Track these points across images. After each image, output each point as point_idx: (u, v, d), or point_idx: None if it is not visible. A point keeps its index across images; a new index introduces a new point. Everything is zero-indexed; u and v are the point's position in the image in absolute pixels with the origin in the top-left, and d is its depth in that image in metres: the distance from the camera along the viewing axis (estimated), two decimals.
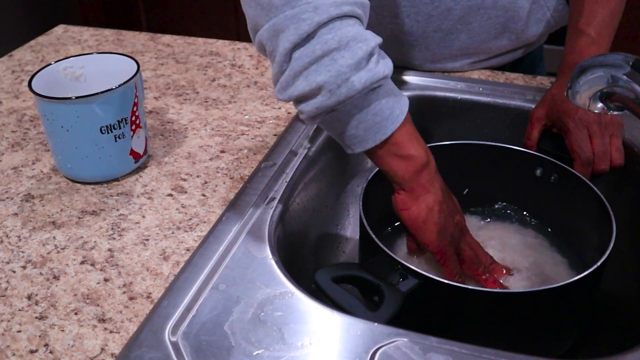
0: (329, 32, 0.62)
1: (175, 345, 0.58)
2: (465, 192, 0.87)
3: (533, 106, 0.90)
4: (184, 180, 0.81)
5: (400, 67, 1.03)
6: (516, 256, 0.80)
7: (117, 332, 0.60)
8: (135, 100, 0.80)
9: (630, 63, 0.61)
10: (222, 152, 0.87)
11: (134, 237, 0.72)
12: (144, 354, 0.57)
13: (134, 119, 0.80)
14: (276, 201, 0.75)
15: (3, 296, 0.65)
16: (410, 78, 1.01)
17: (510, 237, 0.84)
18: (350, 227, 0.92)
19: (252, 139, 0.89)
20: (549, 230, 0.84)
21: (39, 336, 0.60)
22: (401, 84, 1.00)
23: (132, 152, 0.81)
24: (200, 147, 0.88)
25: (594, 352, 0.75)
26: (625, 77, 0.62)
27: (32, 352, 0.59)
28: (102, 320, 0.62)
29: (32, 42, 1.20)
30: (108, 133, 0.78)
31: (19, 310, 0.63)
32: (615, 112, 0.66)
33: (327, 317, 0.60)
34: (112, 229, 0.73)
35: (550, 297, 0.64)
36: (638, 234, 0.82)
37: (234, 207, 0.75)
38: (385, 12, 0.98)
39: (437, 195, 0.69)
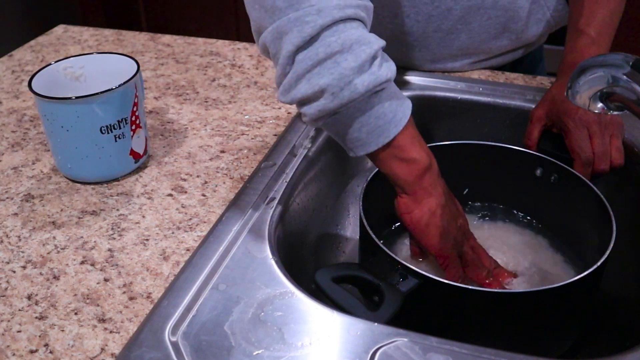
0: (332, 35, 0.62)
1: (175, 345, 0.58)
2: (465, 192, 0.87)
3: (533, 106, 0.90)
4: (184, 180, 0.81)
5: (400, 67, 1.02)
6: (516, 256, 0.80)
7: (117, 332, 0.60)
8: (135, 100, 0.80)
9: (630, 63, 0.61)
10: (222, 152, 0.87)
11: (134, 237, 0.72)
12: (144, 354, 0.57)
13: (134, 119, 0.80)
14: (276, 201, 0.75)
15: (3, 296, 0.65)
16: (410, 78, 1.01)
17: (510, 237, 0.84)
18: (350, 227, 0.92)
19: (252, 139, 0.89)
20: (549, 230, 0.84)
21: (39, 336, 0.60)
22: (401, 84, 1.00)
23: (132, 152, 0.81)
24: (200, 147, 0.88)
25: (594, 352, 0.75)
26: (625, 77, 0.62)
27: (32, 352, 0.59)
28: (102, 320, 0.62)
29: (32, 42, 1.20)
30: (108, 133, 0.78)
31: (19, 310, 0.63)
32: (615, 112, 0.66)
33: (327, 317, 0.60)
34: (112, 229, 0.73)
35: (550, 297, 0.64)
36: (638, 234, 0.82)
37: (234, 207, 0.75)
38: (385, 12, 0.98)
39: (440, 198, 0.69)
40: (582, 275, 0.64)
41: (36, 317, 0.62)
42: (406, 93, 0.97)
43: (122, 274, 0.67)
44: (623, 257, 0.75)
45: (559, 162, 0.81)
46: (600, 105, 0.66)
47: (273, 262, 0.66)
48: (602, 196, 0.74)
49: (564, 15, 1.02)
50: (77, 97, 0.75)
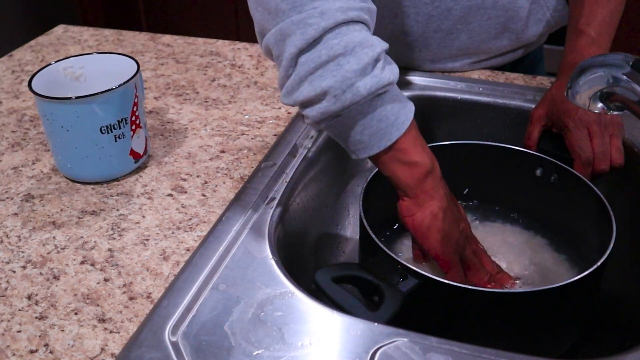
0: (335, 38, 0.62)
1: (175, 345, 0.58)
2: (465, 192, 0.87)
3: (533, 106, 0.90)
4: (184, 180, 0.81)
5: (400, 67, 1.01)
6: (516, 256, 0.80)
7: (117, 332, 0.60)
8: (135, 100, 0.80)
9: (630, 63, 0.61)
10: (222, 152, 0.87)
11: (134, 237, 0.72)
12: (144, 354, 0.57)
13: (134, 119, 0.80)
14: (276, 201, 0.75)
15: (3, 296, 0.65)
16: (410, 78, 1.02)
17: (510, 237, 0.84)
18: (350, 227, 0.92)
19: (252, 139, 0.89)
20: (549, 230, 0.84)
21: (39, 336, 0.60)
22: (401, 84, 1.00)
23: (132, 152, 0.81)
24: (200, 147, 0.88)
25: (594, 352, 0.75)
26: (625, 77, 0.62)
27: (32, 352, 0.59)
28: (102, 320, 0.62)
29: (32, 42, 1.20)
30: (108, 133, 0.78)
31: (19, 310, 0.63)
32: (615, 112, 0.66)
33: (327, 317, 0.60)
34: (112, 229, 0.73)
35: (550, 297, 0.64)
36: (638, 234, 0.82)
37: (234, 207, 0.75)
38: (385, 12, 0.98)
39: (442, 202, 0.69)
40: (582, 275, 0.64)
41: (36, 317, 0.62)
42: (406, 93, 0.97)
43: (122, 274, 0.67)
44: (623, 257, 0.75)
45: (559, 162, 0.81)
46: (600, 105, 0.66)
47: (273, 262, 0.66)
48: (602, 196, 0.74)
49: (564, 15, 1.02)
50: (77, 97, 0.75)
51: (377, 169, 0.74)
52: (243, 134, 0.90)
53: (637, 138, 0.87)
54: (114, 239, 0.72)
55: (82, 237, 0.72)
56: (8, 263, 0.69)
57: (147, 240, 0.72)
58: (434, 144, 0.77)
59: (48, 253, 0.70)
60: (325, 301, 0.62)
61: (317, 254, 0.85)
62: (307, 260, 0.82)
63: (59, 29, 1.25)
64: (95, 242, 0.72)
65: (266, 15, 0.64)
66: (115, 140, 0.79)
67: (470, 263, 0.72)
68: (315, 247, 0.85)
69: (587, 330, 0.75)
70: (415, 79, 1.01)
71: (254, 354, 0.57)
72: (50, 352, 0.59)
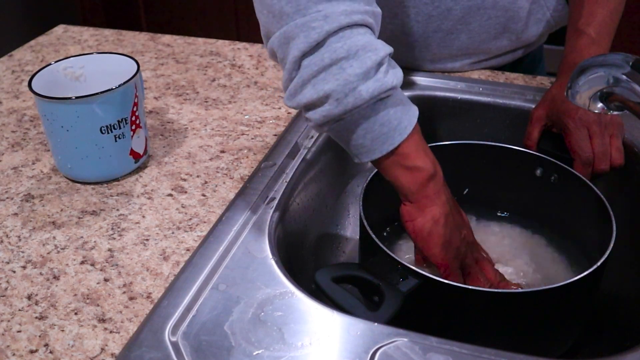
0: (338, 41, 0.62)
1: (175, 345, 0.58)
2: (465, 192, 0.87)
3: (533, 106, 0.90)
4: (184, 180, 0.81)
5: (400, 68, 1.03)
6: (516, 256, 0.80)
7: (117, 332, 0.60)
8: (135, 100, 0.80)
9: (630, 63, 0.61)
10: (222, 152, 0.87)
11: (134, 237, 0.72)
12: (144, 354, 0.57)
13: (134, 119, 0.80)
14: (276, 201, 0.75)
15: (3, 296, 0.65)
16: (410, 78, 1.01)
17: (510, 237, 0.84)
18: (350, 227, 0.92)
19: (252, 139, 0.89)
20: (549, 230, 0.84)
21: (39, 336, 0.60)
22: (401, 85, 0.99)
23: (132, 152, 0.81)
24: (200, 147, 0.88)
25: (594, 352, 0.75)
26: (625, 77, 0.62)
27: (32, 352, 0.59)
28: (102, 320, 0.62)
29: (32, 42, 1.20)
30: (108, 133, 0.78)
31: (19, 310, 0.63)
32: (615, 112, 0.66)
33: (327, 317, 0.60)
34: (112, 229, 0.73)
35: (550, 297, 0.64)
36: (638, 234, 0.82)
37: (234, 207, 0.75)
38: (385, 12, 0.97)
39: (444, 207, 0.68)
40: (582, 275, 0.64)
41: (36, 317, 0.62)
42: (406, 93, 0.97)
43: (122, 274, 0.67)
44: (623, 257, 0.75)
45: (559, 162, 0.81)
46: (600, 105, 0.66)
47: (273, 262, 0.66)
48: (602, 196, 0.74)
49: (564, 15, 1.02)
50: (77, 97, 0.75)
51: (377, 169, 0.74)
52: (243, 134, 0.90)
53: (637, 138, 0.87)
54: (114, 239, 0.72)
55: (82, 237, 0.72)
56: (8, 263, 0.69)
57: (147, 240, 0.72)
58: (434, 144, 0.77)
59: (48, 253, 0.70)
60: (325, 301, 0.62)
61: (317, 254, 0.85)
62: (307, 260, 0.82)
63: (59, 29, 1.25)
64: (95, 242, 0.72)
65: (271, 19, 0.64)
66: (115, 140, 0.79)
67: (470, 270, 0.71)
68: (315, 247, 0.85)
69: (587, 330, 0.75)
70: (415, 79, 1.01)
71: (254, 354, 0.57)
72: (50, 352, 0.59)
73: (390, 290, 0.62)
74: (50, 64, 0.82)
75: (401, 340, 0.57)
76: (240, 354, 0.57)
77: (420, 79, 1.01)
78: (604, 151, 0.82)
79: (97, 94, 0.75)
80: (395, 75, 0.65)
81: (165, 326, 0.59)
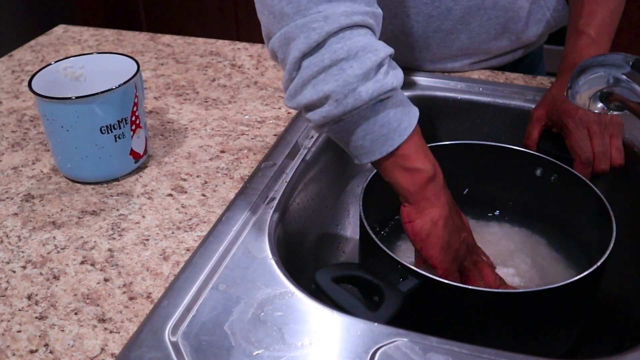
0: (338, 42, 0.62)
1: (175, 345, 0.58)
2: (465, 192, 0.87)
3: (533, 106, 0.90)
4: (184, 180, 0.81)
5: (400, 69, 1.03)
6: (516, 256, 0.80)
7: (117, 332, 0.60)
8: (135, 100, 0.80)
9: (630, 63, 0.61)
10: (222, 152, 0.87)
11: (134, 237, 0.72)
12: (144, 354, 0.57)
13: (134, 119, 0.80)
14: (276, 201, 0.75)
15: (3, 296, 0.65)
16: (410, 78, 1.01)
17: (510, 237, 0.84)
18: (350, 227, 0.92)
19: (252, 139, 0.89)
20: (549, 230, 0.84)
21: (39, 336, 0.60)
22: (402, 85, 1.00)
23: (132, 152, 0.81)
24: (200, 147, 0.88)
25: (594, 352, 0.75)
26: (625, 77, 0.62)
27: (32, 352, 0.59)
28: (102, 320, 0.62)
29: (32, 42, 1.20)
30: (108, 133, 0.78)
31: (19, 310, 0.63)
32: (615, 112, 0.66)
33: (327, 317, 0.60)
34: (112, 229, 0.73)
35: (550, 297, 0.64)
36: (638, 234, 0.82)
37: (234, 207, 0.75)
38: (385, 12, 0.97)
39: (443, 209, 0.68)
40: (582, 275, 0.64)
41: (36, 317, 0.62)
42: (406, 93, 0.97)
43: (122, 274, 0.67)
44: (623, 257, 0.75)
45: (559, 162, 0.81)
46: (600, 105, 0.66)
47: (273, 262, 0.66)
48: (602, 196, 0.74)
49: (564, 15, 1.02)
50: (77, 97, 0.75)
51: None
52: (243, 134, 0.90)
53: (637, 138, 0.87)
54: (114, 239, 0.72)
55: (82, 237, 0.72)
56: (8, 263, 0.69)
57: (147, 240, 0.72)
58: (434, 144, 0.77)
59: (48, 253, 0.70)
60: (325, 301, 0.62)
61: (317, 254, 0.85)
62: (307, 260, 0.82)
63: (59, 29, 1.25)
64: (95, 242, 0.72)
65: (272, 19, 0.64)
66: (115, 140, 0.79)
67: (469, 274, 0.71)
68: (315, 247, 0.85)
69: (587, 330, 0.75)
70: (415, 79, 1.01)
71: (254, 354, 0.57)
72: (50, 352, 0.59)
73: (390, 290, 0.62)
74: (50, 64, 0.82)
75: (401, 340, 0.57)
76: (240, 354, 0.57)
77: (420, 79, 1.01)
78: (604, 151, 0.82)
79: (97, 94, 0.75)
80: (395, 76, 0.65)
81: (165, 326, 0.59)
